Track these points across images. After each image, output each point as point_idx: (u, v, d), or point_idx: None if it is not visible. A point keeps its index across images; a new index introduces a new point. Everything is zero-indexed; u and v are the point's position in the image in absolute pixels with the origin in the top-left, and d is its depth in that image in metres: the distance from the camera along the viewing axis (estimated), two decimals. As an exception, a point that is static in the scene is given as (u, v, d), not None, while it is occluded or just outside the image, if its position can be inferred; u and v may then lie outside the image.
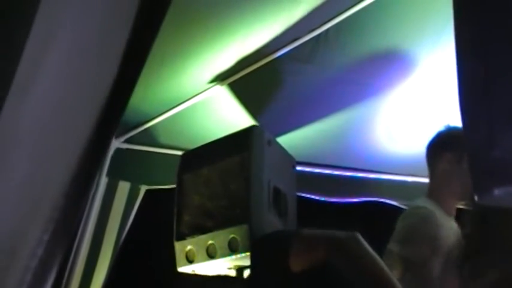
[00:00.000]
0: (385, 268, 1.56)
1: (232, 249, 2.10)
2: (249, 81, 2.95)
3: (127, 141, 3.33)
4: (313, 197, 3.57)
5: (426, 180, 2.53)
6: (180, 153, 2.72)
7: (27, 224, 0.84)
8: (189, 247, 2.24)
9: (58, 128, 0.86)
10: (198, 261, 2.22)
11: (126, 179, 3.46)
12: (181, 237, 2.27)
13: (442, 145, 2.14)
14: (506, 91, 0.81)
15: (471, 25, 0.89)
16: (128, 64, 0.92)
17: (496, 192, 0.78)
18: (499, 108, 0.80)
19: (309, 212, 2.79)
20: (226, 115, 3.16)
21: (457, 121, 2.34)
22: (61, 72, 0.86)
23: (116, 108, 0.92)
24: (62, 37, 0.85)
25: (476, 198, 0.82)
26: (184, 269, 2.27)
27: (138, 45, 0.95)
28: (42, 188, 0.86)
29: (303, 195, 3.42)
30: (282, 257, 1.62)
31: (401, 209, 3.46)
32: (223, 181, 2.28)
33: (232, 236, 2.10)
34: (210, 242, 2.16)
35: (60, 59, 0.86)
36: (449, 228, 2.30)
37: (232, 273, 2.22)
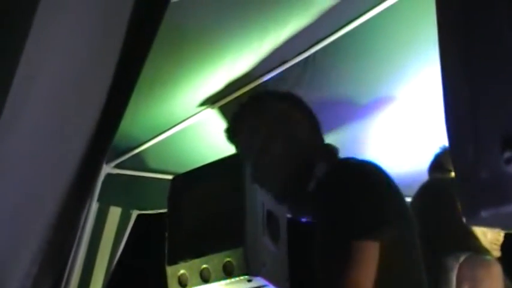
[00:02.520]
0: None
1: (227, 273, 2.09)
2: (239, 104, 2.96)
3: (117, 166, 3.32)
4: (303, 219, 3.55)
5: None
6: (171, 177, 2.72)
7: (16, 256, 0.83)
8: (181, 271, 2.22)
9: (47, 158, 0.86)
10: (191, 286, 2.20)
11: (117, 204, 3.44)
12: (174, 262, 2.25)
13: (440, 166, 2.14)
14: (491, 111, 0.82)
15: (456, 46, 0.90)
16: (116, 91, 0.92)
17: (483, 214, 0.79)
18: (485, 129, 0.81)
19: (301, 234, 2.79)
20: (216, 139, 3.15)
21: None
22: (50, 101, 0.86)
23: (104, 138, 0.92)
24: (50, 65, 0.85)
25: (464, 220, 0.83)
26: (177, 293, 2.25)
27: (127, 71, 0.95)
28: (31, 218, 0.85)
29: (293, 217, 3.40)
30: None
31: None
32: (216, 204, 2.26)
33: (227, 259, 2.08)
34: (204, 265, 2.14)
35: (50, 87, 0.86)
36: None
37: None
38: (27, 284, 0.82)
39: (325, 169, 1.72)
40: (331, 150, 1.83)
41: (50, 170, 0.86)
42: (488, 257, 1.88)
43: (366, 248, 1.49)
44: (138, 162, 3.33)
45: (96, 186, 3.22)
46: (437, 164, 2.17)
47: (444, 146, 2.21)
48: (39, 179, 0.85)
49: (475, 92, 0.85)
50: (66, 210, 0.86)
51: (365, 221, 1.52)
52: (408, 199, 3.42)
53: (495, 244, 1.99)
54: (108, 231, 3.37)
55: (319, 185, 1.69)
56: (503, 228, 1.73)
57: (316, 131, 1.88)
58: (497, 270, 1.84)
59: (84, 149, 0.87)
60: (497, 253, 1.99)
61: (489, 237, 1.98)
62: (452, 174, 2.07)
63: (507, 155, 0.77)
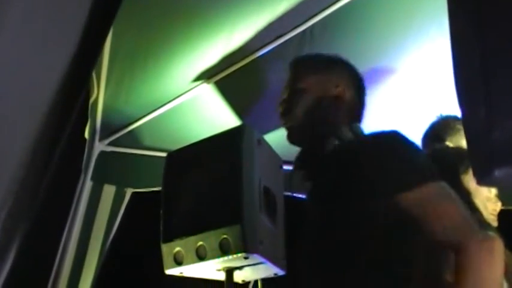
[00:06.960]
0: None
1: (224, 250, 2.06)
2: (235, 79, 2.92)
3: (111, 143, 3.28)
4: (300, 196, 3.53)
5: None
6: (166, 155, 2.69)
7: None
8: (177, 249, 2.19)
9: (15, 96, 0.79)
10: (187, 263, 2.17)
11: (111, 183, 3.40)
12: (169, 239, 2.22)
13: (436, 136, 2.11)
14: (504, 71, 0.79)
15: (466, 9, 0.87)
16: (91, 31, 0.87)
17: (497, 173, 0.77)
18: (498, 89, 0.78)
19: (297, 211, 2.76)
20: (212, 114, 3.12)
21: (448, 112, 2.33)
22: (19, 35, 0.81)
23: (77, 80, 0.86)
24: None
25: (476, 180, 0.80)
26: (172, 271, 2.23)
27: (98, 22, 0.90)
28: None
29: (290, 194, 3.38)
30: None
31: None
32: (213, 181, 2.23)
33: (223, 236, 2.05)
34: (200, 243, 2.12)
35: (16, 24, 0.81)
36: None
37: (222, 275, 2.18)
38: None
39: (350, 135, 1.72)
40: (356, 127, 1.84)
41: (21, 102, 0.80)
42: (489, 232, 1.86)
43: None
44: (133, 139, 3.29)
45: (90, 164, 3.18)
46: (433, 134, 2.13)
47: (441, 115, 2.17)
48: (9, 111, 0.79)
49: (486, 50, 0.82)
50: (37, 150, 0.80)
51: (409, 175, 1.54)
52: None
53: (492, 214, 1.99)
54: (102, 209, 3.33)
55: (344, 147, 1.70)
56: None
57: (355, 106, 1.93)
58: (498, 246, 1.82)
59: (55, 90, 0.81)
60: (495, 223, 1.98)
61: (489, 208, 1.97)
62: (448, 143, 2.04)
63: (523, 111, 0.74)
